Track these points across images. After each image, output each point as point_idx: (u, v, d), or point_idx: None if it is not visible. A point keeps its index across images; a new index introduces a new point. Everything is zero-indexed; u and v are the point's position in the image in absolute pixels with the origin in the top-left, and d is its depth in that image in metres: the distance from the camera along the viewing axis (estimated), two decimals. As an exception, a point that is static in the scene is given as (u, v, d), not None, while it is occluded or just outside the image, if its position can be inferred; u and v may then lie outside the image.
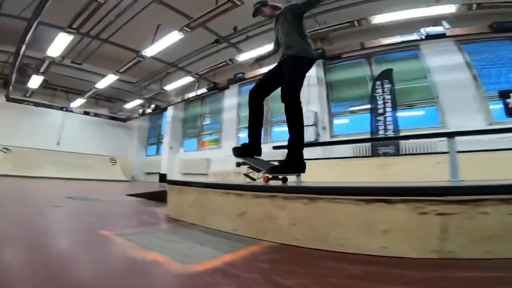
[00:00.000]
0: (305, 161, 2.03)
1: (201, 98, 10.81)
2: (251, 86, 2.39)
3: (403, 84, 5.91)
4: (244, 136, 8.92)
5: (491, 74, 5.32)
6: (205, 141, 10.35)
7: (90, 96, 9.93)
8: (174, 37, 5.10)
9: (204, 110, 10.79)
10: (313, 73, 6.77)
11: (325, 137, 6.50)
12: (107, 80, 7.96)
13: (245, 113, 9.04)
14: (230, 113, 9.42)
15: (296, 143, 1.99)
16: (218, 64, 6.65)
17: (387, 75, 5.78)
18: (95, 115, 11.41)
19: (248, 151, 2.26)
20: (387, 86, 5.67)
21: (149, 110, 10.68)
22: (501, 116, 4.94)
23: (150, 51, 5.75)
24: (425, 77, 5.79)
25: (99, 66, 7.88)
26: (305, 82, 2.23)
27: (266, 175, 1.99)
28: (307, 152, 2.18)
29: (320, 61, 6.80)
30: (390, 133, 5.24)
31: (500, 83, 5.17)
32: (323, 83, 6.99)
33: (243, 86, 9.26)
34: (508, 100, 4.90)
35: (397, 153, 5.04)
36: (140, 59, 6.12)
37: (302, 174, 2.24)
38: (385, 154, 5.06)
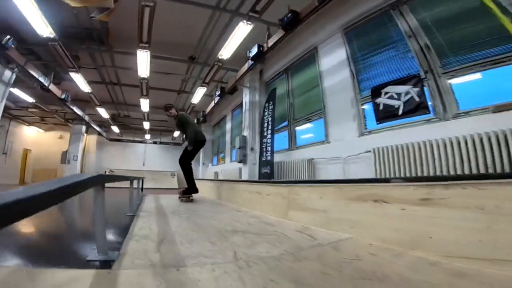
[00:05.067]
0: (197, 188, 4.97)
1: (217, 124, 14.46)
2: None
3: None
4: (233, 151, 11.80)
5: (366, 66, 5.23)
6: (220, 158, 13.85)
7: (151, 130, 15.53)
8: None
9: (219, 133, 14.34)
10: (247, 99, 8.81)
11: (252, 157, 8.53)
12: (147, 124, 12.93)
13: (234, 136, 11.83)
14: (228, 135, 12.54)
15: (187, 182, 4.86)
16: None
17: (272, 96, 7.27)
18: (160, 143, 17.12)
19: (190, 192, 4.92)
20: (271, 107, 7.20)
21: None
22: (372, 122, 4.77)
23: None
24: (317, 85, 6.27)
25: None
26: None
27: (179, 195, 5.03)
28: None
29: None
30: (269, 156, 6.94)
31: (376, 76, 4.98)
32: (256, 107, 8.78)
33: (235, 110, 12.15)
34: (378, 100, 4.67)
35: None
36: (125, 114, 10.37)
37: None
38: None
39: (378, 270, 1.40)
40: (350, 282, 1.26)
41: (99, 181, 1.32)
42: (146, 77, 7.35)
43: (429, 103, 4.00)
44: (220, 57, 6.87)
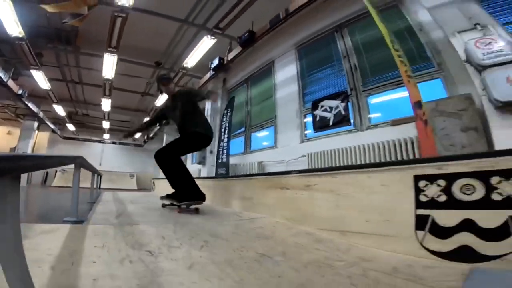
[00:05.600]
0: (197, 191, 2.85)
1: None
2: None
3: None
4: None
5: (312, 81, 6.04)
6: (181, 160, 14.16)
7: (111, 130, 15.26)
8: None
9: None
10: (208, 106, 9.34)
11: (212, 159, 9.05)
12: (107, 123, 12.79)
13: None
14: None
15: (171, 184, 2.92)
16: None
17: (230, 104, 7.95)
18: (120, 143, 16.83)
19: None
20: (229, 114, 7.84)
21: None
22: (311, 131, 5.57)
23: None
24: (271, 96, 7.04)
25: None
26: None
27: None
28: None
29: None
30: (224, 158, 7.55)
31: (317, 91, 5.79)
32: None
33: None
34: (316, 112, 5.47)
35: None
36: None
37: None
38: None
39: (270, 234, 2.11)
40: (248, 238, 1.96)
41: (79, 160, 1.87)
42: (110, 78, 7.59)
43: (351, 116, 4.95)
44: (185, 65, 7.39)
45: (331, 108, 5.33)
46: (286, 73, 6.94)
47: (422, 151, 2.78)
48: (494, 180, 1.35)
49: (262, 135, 7.58)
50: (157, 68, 8.29)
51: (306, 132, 5.98)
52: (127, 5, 4.69)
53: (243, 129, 8.22)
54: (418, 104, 2.88)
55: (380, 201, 1.78)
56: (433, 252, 1.49)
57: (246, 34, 6.17)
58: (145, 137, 16.38)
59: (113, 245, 1.43)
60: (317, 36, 6.25)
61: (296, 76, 6.60)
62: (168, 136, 15.41)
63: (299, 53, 6.76)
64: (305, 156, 5.29)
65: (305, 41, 6.59)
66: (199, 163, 9.03)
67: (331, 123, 5.24)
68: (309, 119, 5.91)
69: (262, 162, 6.59)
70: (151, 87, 9.70)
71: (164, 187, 7.47)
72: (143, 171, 17.66)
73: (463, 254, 1.40)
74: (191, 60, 7.18)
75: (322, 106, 5.51)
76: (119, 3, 4.62)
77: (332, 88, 5.63)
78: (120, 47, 5.87)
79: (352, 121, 4.93)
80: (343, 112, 5.08)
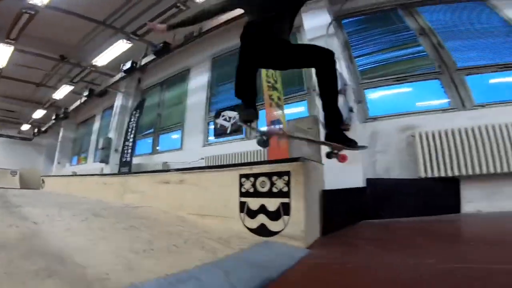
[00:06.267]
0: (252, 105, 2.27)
1: (83, 122, 13.62)
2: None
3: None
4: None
5: (219, 92, 6.89)
6: (81, 158, 13.05)
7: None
8: None
9: (84, 132, 13.53)
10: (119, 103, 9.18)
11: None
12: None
13: (101, 137, 11.45)
14: (94, 135, 12.07)
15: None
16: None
17: (140, 105, 8.13)
18: (1, 135, 14.28)
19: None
20: (137, 115, 7.99)
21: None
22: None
23: None
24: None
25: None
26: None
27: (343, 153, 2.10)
28: None
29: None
30: (128, 158, 7.65)
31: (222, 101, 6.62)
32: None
33: (106, 111, 11.87)
34: (217, 120, 6.33)
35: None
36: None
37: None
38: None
39: (147, 216, 2.73)
40: (126, 217, 2.54)
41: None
42: (1, 67, 6.77)
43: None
44: (94, 63, 7.22)
45: (230, 118, 6.26)
46: (199, 82, 7.62)
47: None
48: (274, 178, 2.31)
49: (171, 137, 8.02)
50: (61, 62, 7.78)
51: (209, 138, 6.76)
52: (40, 4, 4.45)
53: (152, 130, 8.48)
54: (274, 123, 3.99)
55: (224, 192, 2.61)
56: (248, 228, 2.26)
57: (160, 45, 6.58)
58: (35, 130, 14.37)
59: (0, 219, 1.84)
60: (230, 51, 7.03)
61: (207, 85, 7.35)
62: (65, 130, 14.03)
63: (213, 65, 7.46)
64: (203, 158, 6.05)
65: (221, 54, 7.36)
66: (101, 162, 8.77)
67: (228, 131, 6.17)
68: (212, 126, 6.72)
69: (167, 162, 7.06)
70: (50, 79, 8.90)
71: (54, 184, 7.07)
72: (29, 168, 15.31)
73: (261, 230, 2.19)
74: (102, 59, 7.11)
75: (223, 116, 6.40)
76: (30, 2, 4.35)
77: (233, 100, 6.54)
78: (20, 37, 5.40)
79: (244, 130, 5.96)
80: (238, 123, 6.06)
